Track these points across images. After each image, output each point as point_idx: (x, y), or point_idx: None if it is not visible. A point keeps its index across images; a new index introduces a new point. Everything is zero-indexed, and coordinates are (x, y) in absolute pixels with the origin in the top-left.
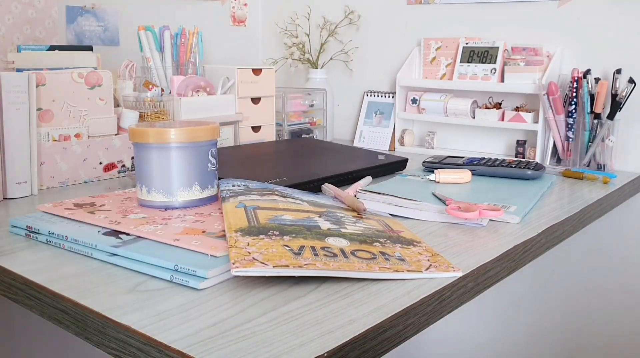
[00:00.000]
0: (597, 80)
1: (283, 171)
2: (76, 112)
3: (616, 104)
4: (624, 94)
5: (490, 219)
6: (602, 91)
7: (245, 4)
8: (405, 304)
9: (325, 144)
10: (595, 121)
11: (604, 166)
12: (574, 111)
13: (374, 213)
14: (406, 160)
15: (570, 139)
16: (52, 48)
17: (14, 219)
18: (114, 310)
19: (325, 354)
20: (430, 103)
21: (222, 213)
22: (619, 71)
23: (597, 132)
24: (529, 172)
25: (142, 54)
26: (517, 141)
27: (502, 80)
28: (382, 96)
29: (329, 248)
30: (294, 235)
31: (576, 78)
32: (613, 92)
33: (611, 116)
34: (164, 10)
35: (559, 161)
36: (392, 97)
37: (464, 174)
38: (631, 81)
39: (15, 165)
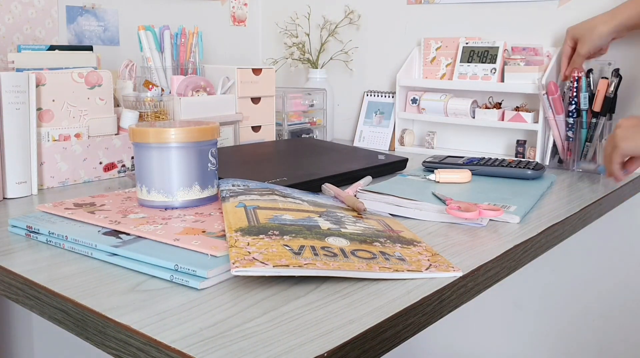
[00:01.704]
0: (599, 79)
1: (283, 171)
2: (76, 112)
3: (608, 101)
4: (611, 89)
5: (490, 219)
6: (602, 89)
7: (245, 4)
8: (405, 304)
9: (325, 144)
10: (594, 120)
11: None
12: (574, 110)
13: (374, 212)
14: (406, 160)
15: (570, 139)
16: (52, 48)
17: (14, 219)
18: (114, 310)
19: (325, 354)
20: (430, 103)
21: (222, 212)
22: (616, 72)
23: (594, 131)
24: (529, 172)
25: (142, 54)
26: (517, 141)
27: (502, 80)
28: (382, 96)
29: (329, 247)
30: (294, 235)
31: (577, 78)
32: (609, 93)
33: (604, 113)
34: (164, 10)
35: (559, 161)
36: (392, 97)
37: (464, 174)
38: (617, 74)
39: (15, 165)
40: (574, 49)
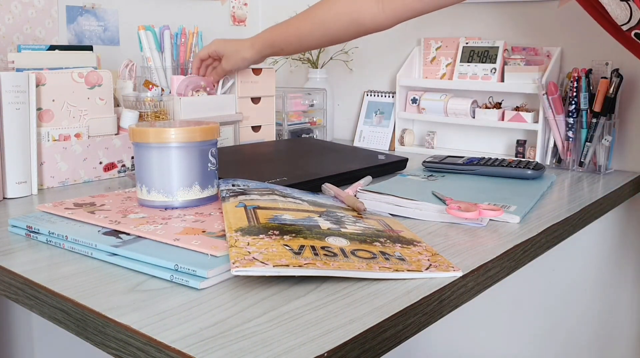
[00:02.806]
0: (599, 79)
1: (283, 171)
2: (76, 112)
3: (609, 101)
4: (611, 89)
5: (490, 219)
6: (602, 89)
7: (245, 4)
8: (405, 304)
9: (325, 144)
10: (594, 120)
11: (601, 166)
12: (574, 110)
13: (374, 212)
14: (406, 160)
15: (571, 139)
16: (52, 48)
17: (14, 219)
18: (114, 310)
19: (325, 354)
20: (430, 103)
21: (222, 212)
22: (617, 72)
23: (595, 131)
24: (529, 172)
25: (142, 54)
26: (517, 140)
27: (502, 80)
28: (382, 96)
29: (329, 247)
30: (294, 235)
31: (577, 77)
32: (609, 93)
33: (604, 113)
34: (164, 10)
35: (559, 161)
36: (392, 97)
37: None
38: (617, 75)
39: (15, 165)
40: (213, 59)
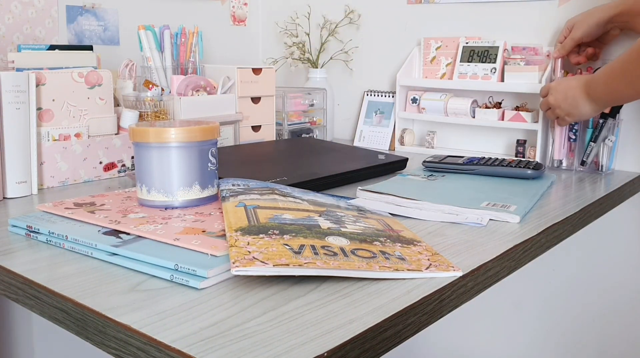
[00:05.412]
0: None
1: (283, 171)
2: (76, 112)
3: None
4: None
5: (490, 219)
6: None
7: (245, 4)
8: (405, 304)
9: (325, 144)
10: (601, 120)
11: (603, 166)
12: None
13: (374, 212)
14: (406, 160)
15: (573, 139)
16: (52, 48)
17: (14, 219)
18: (114, 310)
19: (325, 354)
20: (431, 103)
21: (222, 212)
22: None
23: (600, 131)
24: (529, 172)
25: (142, 54)
26: (517, 140)
27: (502, 79)
28: (382, 96)
29: (329, 246)
30: (294, 234)
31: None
32: None
33: (614, 115)
34: (164, 9)
35: (560, 160)
36: (392, 96)
37: None
38: None
39: (15, 165)
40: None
